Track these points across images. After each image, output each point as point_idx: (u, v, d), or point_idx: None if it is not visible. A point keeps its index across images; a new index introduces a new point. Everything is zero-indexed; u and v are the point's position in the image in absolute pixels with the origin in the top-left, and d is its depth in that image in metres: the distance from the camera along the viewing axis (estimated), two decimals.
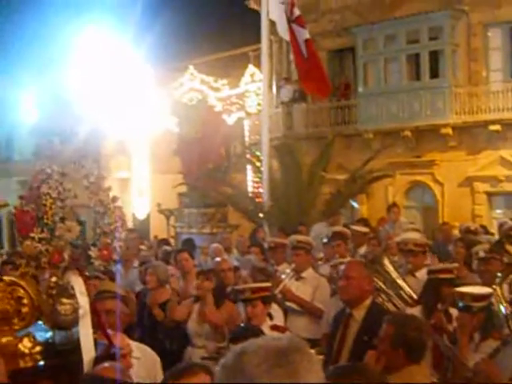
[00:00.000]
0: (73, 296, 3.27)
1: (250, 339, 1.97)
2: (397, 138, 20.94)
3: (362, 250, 10.33)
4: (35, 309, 2.48)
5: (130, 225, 17.33)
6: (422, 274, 7.43)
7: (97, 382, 3.29)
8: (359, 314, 5.77)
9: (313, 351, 2.07)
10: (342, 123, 22.66)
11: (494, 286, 5.88)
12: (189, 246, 12.82)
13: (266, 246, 10.29)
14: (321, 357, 5.54)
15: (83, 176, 5.16)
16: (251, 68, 23.34)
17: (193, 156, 19.87)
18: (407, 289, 6.96)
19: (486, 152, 20.28)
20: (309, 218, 13.97)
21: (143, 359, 5.08)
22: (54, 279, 3.24)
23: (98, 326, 3.53)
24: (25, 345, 2.44)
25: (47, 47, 27.18)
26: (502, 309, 5.76)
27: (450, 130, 20.39)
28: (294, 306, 7.81)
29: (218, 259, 9.29)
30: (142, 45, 23.56)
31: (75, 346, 3.30)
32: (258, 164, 18.77)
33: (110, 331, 3.77)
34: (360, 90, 22.42)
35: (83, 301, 3.27)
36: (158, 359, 5.40)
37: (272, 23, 15.75)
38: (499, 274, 6.42)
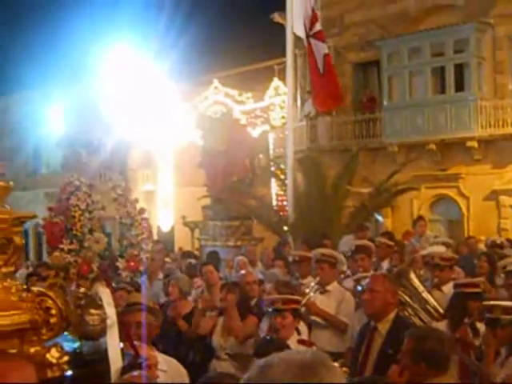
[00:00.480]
0: (101, 307, 3.31)
1: (274, 353, 1.98)
2: (422, 151, 20.86)
3: (386, 263, 10.29)
4: (63, 319, 2.51)
5: (154, 237, 17.43)
6: (448, 288, 7.39)
7: None
8: (384, 327, 5.76)
9: (337, 364, 2.08)
10: (366, 136, 22.61)
11: None
12: (213, 258, 12.85)
13: (290, 259, 10.28)
14: (345, 369, 5.53)
15: (111, 188, 5.22)
16: (276, 81, 23.45)
17: (217, 169, 19.93)
18: (433, 303, 6.92)
19: None
20: (333, 231, 13.94)
21: (170, 372, 5.09)
22: (82, 290, 3.28)
23: (125, 337, 3.56)
24: (52, 355, 2.47)
25: (75, 62, 27.50)
26: None
27: (475, 144, 20.27)
28: (318, 319, 7.78)
29: (242, 272, 9.30)
30: (168, 59, 23.75)
31: (103, 356, 3.33)
32: (282, 177, 18.81)
33: (136, 342, 3.80)
34: (385, 103, 22.38)
35: (111, 311, 3.30)
36: (185, 372, 5.41)
37: (296, 37, 15.80)
38: None
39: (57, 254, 4.62)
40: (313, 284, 8.09)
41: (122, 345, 3.59)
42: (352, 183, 15.98)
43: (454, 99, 20.57)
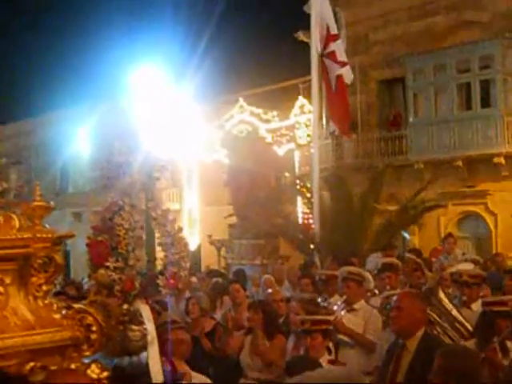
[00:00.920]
0: (142, 323, 3.38)
1: (307, 371, 2.01)
2: (448, 168, 20.79)
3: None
4: (104, 335, 2.58)
5: None
6: (477, 306, 7.35)
7: None
8: (412, 344, 5.75)
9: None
10: (392, 154, 22.58)
11: None
12: (240, 277, 12.88)
13: (317, 278, 10.29)
14: None
15: (151, 208, 5.31)
16: (301, 100, 23.53)
17: (243, 187, 20.02)
18: (462, 321, 6.90)
19: None
20: (360, 249, 13.94)
21: None
22: (125, 306, 3.34)
23: (162, 353, 3.62)
24: (93, 370, 2.54)
25: (101, 83, 27.81)
26: None
27: (502, 160, 20.16)
28: (345, 338, 7.77)
29: (269, 290, 9.34)
30: (193, 79, 23.94)
31: (143, 372, 3.40)
32: (308, 195, 18.83)
33: (172, 359, 3.86)
34: (410, 120, 22.36)
35: (151, 328, 3.37)
36: None
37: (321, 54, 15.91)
38: None
39: (102, 271, 4.70)
40: (340, 302, 8.10)
41: None
42: (378, 201, 15.97)
43: (480, 115, 20.51)
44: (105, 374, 2.47)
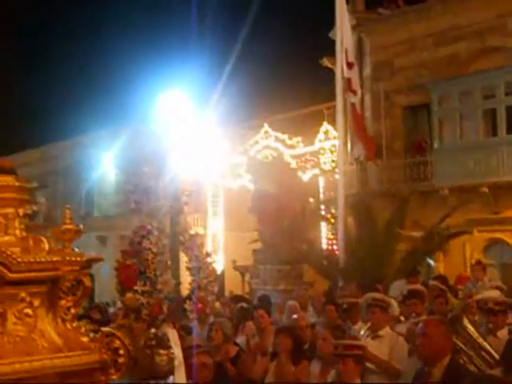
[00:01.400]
0: (169, 347, 3.39)
1: None
2: (474, 194, 20.65)
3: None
4: (131, 359, 2.60)
5: None
6: (503, 334, 7.27)
7: None
8: (437, 372, 5.69)
9: None
10: (417, 180, 22.51)
11: None
12: (265, 302, 12.85)
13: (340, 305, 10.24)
14: None
15: (179, 232, 5.35)
16: (325, 125, 23.58)
17: (268, 213, 20.02)
18: (488, 349, 6.82)
19: None
20: (385, 275, 13.87)
21: None
22: (152, 330, 3.36)
23: (187, 376, 3.62)
24: None
25: (127, 108, 28.04)
26: None
27: None
28: (370, 365, 7.71)
29: (295, 316, 9.31)
30: (218, 104, 24.09)
31: None
32: (332, 221, 18.80)
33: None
34: (435, 146, 22.29)
35: (178, 352, 3.38)
36: None
37: (346, 80, 15.97)
38: None
39: (130, 295, 4.72)
40: (364, 329, 8.05)
41: None
42: (403, 227, 15.89)
43: (505, 141, 20.40)
44: None
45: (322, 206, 21.23)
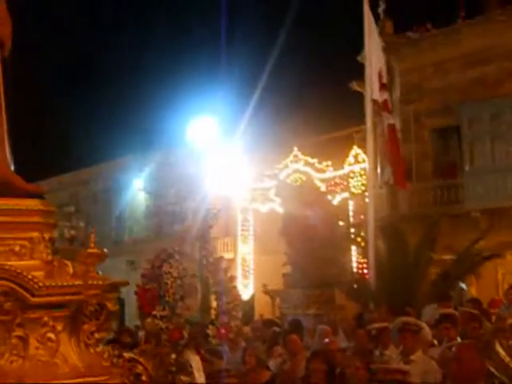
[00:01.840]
0: (191, 373, 3.35)
1: None
2: (506, 216, 20.42)
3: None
4: None
5: None
6: None
7: None
8: None
9: None
10: (448, 202, 22.33)
11: None
12: (296, 327, 12.76)
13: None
14: None
15: (202, 256, 5.34)
16: (355, 149, 23.53)
17: (297, 236, 19.94)
18: None
19: None
20: (416, 299, 13.72)
21: None
22: (173, 356, 3.33)
23: None
24: None
25: (156, 133, 28.24)
26: None
27: None
28: None
29: (326, 340, 9.23)
30: (248, 128, 24.17)
31: None
32: (362, 244, 18.68)
33: None
34: (466, 168, 22.12)
35: (200, 378, 3.34)
36: None
37: (375, 103, 15.93)
38: None
39: (149, 320, 4.71)
40: (396, 354, 7.94)
41: None
42: (434, 251, 15.74)
43: None
44: None
45: (352, 230, 21.11)
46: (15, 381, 2.45)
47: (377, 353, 8.40)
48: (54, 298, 2.59)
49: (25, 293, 2.57)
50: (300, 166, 24.06)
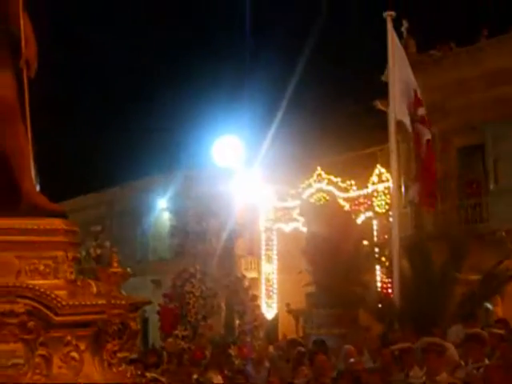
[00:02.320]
0: None
1: None
2: None
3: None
4: None
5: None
6: None
7: None
8: None
9: None
10: (473, 222, 22.17)
11: None
12: (321, 347, 12.70)
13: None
14: None
15: (223, 275, 5.34)
16: (379, 168, 23.47)
17: (321, 255, 19.89)
18: None
19: None
20: (441, 319, 13.59)
21: None
22: (195, 376, 3.31)
23: None
24: None
25: (179, 153, 28.36)
26: None
27: None
28: None
29: (351, 360, 9.17)
30: (271, 147, 24.22)
31: None
32: (387, 264, 18.58)
33: None
34: (491, 187, 21.97)
35: None
36: None
37: (399, 123, 15.88)
38: None
39: (171, 340, 4.68)
40: (421, 375, 7.86)
41: None
42: (460, 270, 15.61)
43: None
44: None
45: (376, 249, 21.01)
46: None
47: (401, 375, 8.32)
48: (77, 317, 2.60)
49: (48, 312, 2.58)
50: (323, 185, 24.03)
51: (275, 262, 28.05)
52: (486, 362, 8.52)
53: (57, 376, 2.51)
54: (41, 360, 2.56)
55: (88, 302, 2.64)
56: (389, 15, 16.04)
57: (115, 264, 2.82)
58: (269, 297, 27.87)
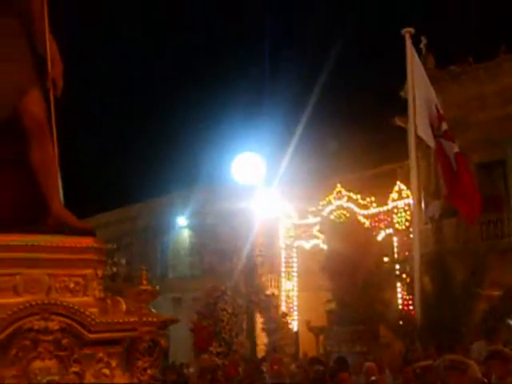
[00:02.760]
0: None
1: None
2: None
3: None
4: None
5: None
6: None
7: None
8: None
9: None
10: (494, 237, 22.04)
11: None
12: (342, 364, 12.65)
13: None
14: None
15: (252, 293, 5.38)
16: (399, 184, 23.43)
17: (341, 273, 19.85)
18: None
19: None
20: (463, 336, 13.52)
21: None
22: None
23: None
24: None
25: (200, 170, 28.45)
26: None
27: None
28: None
29: (373, 378, 9.14)
30: (290, 164, 24.26)
31: None
32: (408, 280, 18.51)
33: None
34: None
35: None
36: None
37: (418, 139, 15.89)
38: None
39: (205, 356, 4.71)
40: None
41: None
42: (481, 286, 15.53)
43: None
44: None
45: (397, 266, 20.95)
46: None
47: None
48: (109, 335, 2.64)
49: (82, 329, 2.63)
50: (343, 202, 24.02)
51: (295, 279, 28.01)
52: (510, 379, 8.45)
53: None
54: (74, 377, 2.61)
55: (120, 320, 2.68)
56: (407, 32, 16.11)
57: (144, 282, 2.87)
58: (289, 314, 27.81)
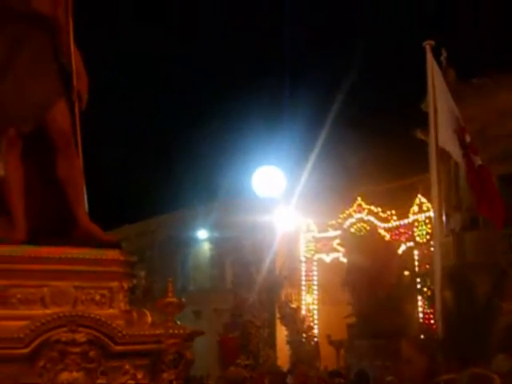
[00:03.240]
0: None
1: None
2: None
3: None
4: None
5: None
6: None
7: None
8: None
9: None
10: None
11: None
12: (362, 378, 12.61)
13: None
14: None
15: (279, 306, 5.38)
16: (419, 198, 23.37)
17: (362, 286, 19.81)
18: None
19: None
20: (486, 349, 13.42)
21: None
22: None
23: None
24: None
25: (220, 183, 28.53)
26: None
27: None
28: None
29: None
30: (310, 177, 24.26)
31: None
32: (429, 293, 18.42)
33: None
34: None
35: None
36: None
37: (440, 151, 15.85)
38: None
39: (232, 368, 4.72)
40: None
41: None
42: (503, 299, 15.42)
43: None
44: None
45: (418, 279, 20.85)
46: None
47: None
48: (135, 347, 2.66)
49: (109, 341, 2.65)
50: (364, 215, 23.98)
51: (316, 292, 27.94)
52: None
53: None
54: None
55: (146, 332, 2.70)
56: (428, 44, 16.08)
57: (170, 294, 2.89)
58: (310, 328, 27.73)
